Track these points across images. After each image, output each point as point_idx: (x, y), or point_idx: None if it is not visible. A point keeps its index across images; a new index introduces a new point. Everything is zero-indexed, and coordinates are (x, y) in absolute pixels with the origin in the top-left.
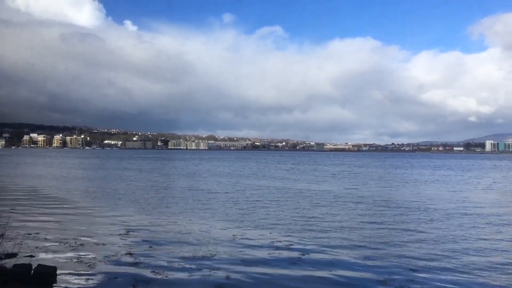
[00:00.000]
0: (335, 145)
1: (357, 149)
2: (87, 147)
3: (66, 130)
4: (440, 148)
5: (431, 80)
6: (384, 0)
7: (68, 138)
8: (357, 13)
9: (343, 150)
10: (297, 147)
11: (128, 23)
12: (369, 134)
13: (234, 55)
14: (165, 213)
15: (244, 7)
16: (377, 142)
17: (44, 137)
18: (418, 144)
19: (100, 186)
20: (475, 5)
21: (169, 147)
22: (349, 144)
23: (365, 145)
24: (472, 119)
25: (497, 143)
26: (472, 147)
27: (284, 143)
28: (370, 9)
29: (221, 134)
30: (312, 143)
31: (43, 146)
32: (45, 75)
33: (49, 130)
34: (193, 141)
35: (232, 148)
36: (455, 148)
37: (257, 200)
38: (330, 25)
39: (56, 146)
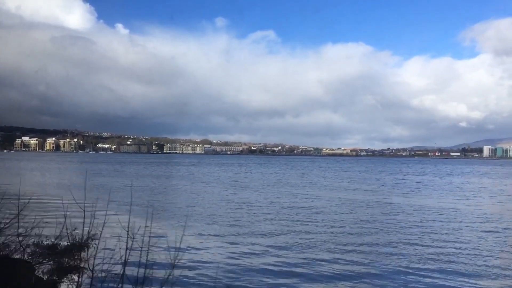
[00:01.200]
0: (333, 150)
1: (355, 153)
2: (80, 151)
3: (58, 133)
4: (436, 153)
5: (422, 86)
6: (377, 5)
7: (61, 141)
8: (350, 18)
9: (341, 154)
10: (295, 151)
11: (119, 26)
12: (360, 138)
13: (226, 59)
14: (322, 248)
15: (237, 11)
16: (370, 147)
17: (36, 140)
18: (413, 149)
19: (161, 201)
20: (466, 11)
21: (164, 151)
22: (346, 148)
23: (361, 149)
24: (463, 124)
25: (495, 149)
26: (469, 153)
27: (280, 148)
28: (363, 14)
29: (213, 138)
30: (308, 148)
31: (36, 149)
32: (36, 78)
33: (40, 133)
34: (189, 145)
35: (228, 152)
36: (451, 153)
37: (390, 223)
38: (322, 30)
39: (49, 150)
